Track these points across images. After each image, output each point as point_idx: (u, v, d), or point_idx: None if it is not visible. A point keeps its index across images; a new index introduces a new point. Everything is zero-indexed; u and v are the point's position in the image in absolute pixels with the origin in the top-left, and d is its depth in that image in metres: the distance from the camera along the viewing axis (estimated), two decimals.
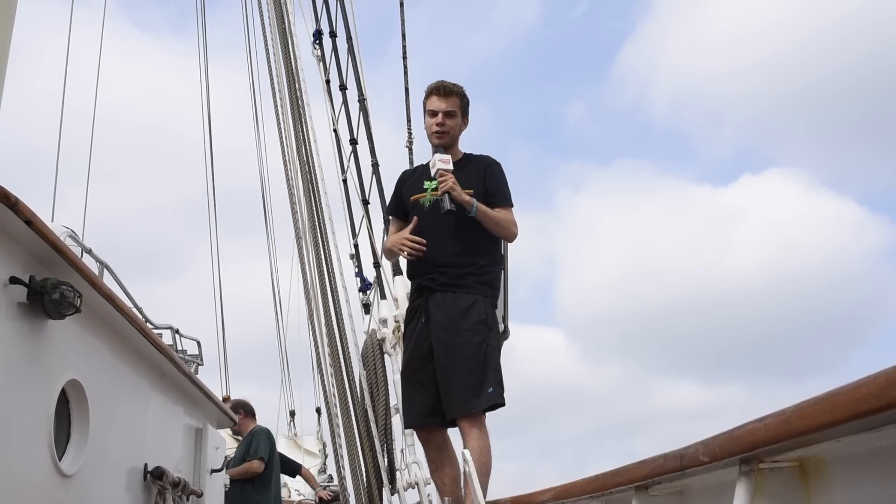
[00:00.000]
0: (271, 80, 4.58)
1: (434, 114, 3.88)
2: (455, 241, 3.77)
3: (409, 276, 4.03)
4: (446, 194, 3.67)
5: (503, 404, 3.65)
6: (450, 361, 3.64)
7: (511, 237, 3.92)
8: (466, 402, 3.59)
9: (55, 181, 7.49)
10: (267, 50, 4.66)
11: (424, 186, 3.82)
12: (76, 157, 8.20)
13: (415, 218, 3.89)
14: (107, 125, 8.94)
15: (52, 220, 6.75)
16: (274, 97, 4.53)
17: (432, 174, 3.77)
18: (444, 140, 3.86)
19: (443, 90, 3.89)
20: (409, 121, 5.27)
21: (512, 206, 3.86)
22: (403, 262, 4.35)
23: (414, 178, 4.06)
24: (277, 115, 4.52)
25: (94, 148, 8.97)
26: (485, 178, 3.83)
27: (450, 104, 3.87)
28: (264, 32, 4.69)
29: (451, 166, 3.74)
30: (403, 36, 5.68)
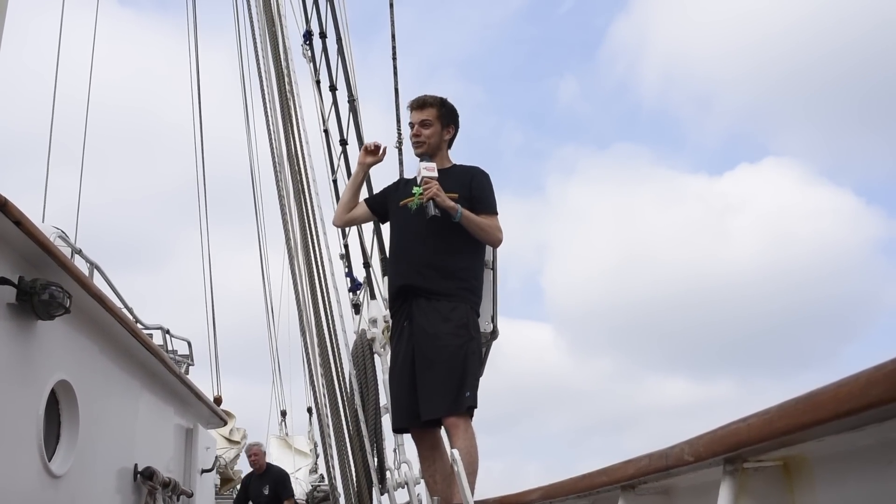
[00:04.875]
0: (261, 82, 4.59)
1: (412, 126, 4.04)
2: (438, 244, 3.84)
3: (392, 279, 4.04)
4: (431, 201, 3.73)
5: (475, 407, 3.71)
6: (428, 364, 3.69)
7: (496, 242, 4.06)
8: (441, 404, 3.63)
9: (46, 175, 7.43)
10: (256, 51, 4.67)
11: (413, 191, 3.87)
12: (55, 142, 8.09)
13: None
14: (83, 106, 8.85)
15: (44, 215, 6.75)
16: (263, 100, 4.54)
17: (417, 180, 3.84)
18: (422, 149, 3.99)
19: (416, 103, 4.07)
20: (398, 122, 5.27)
21: (497, 213, 3.95)
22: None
23: (406, 185, 4.13)
24: (267, 116, 4.53)
25: (71, 131, 8.93)
26: (471, 185, 3.94)
27: (424, 114, 4.03)
28: (254, 34, 4.69)
29: (435, 174, 3.82)
30: (393, 37, 5.68)
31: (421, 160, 3.94)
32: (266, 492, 9.66)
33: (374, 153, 4.17)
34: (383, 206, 4.17)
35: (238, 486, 10.97)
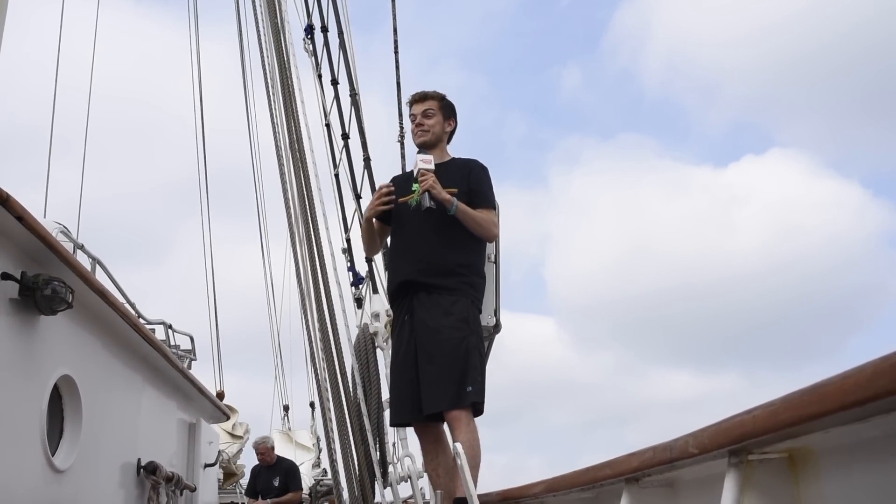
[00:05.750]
0: (264, 75, 4.58)
1: (414, 118, 4.06)
2: (439, 241, 3.83)
3: (392, 275, 4.02)
4: (426, 192, 3.73)
5: (481, 402, 3.69)
6: (430, 358, 3.69)
7: (490, 237, 4.04)
8: (443, 398, 3.63)
9: (48, 170, 7.42)
10: (260, 43, 4.66)
11: (413, 188, 3.87)
12: (56, 135, 8.06)
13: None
14: (83, 98, 8.81)
15: (45, 209, 6.75)
16: (268, 93, 4.53)
17: (414, 173, 3.83)
18: (425, 138, 4.00)
19: (417, 96, 4.10)
20: (400, 116, 5.27)
21: (494, 208, 3.95)
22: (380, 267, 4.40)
23: (404, 182, 4.12)
24: (270, 110, 4.52)
25: (71, 124, 8.91)
26: (469, 179, 3.94)
27: (426, 105, 4.06)
28: (257, 27, 4.68)
29: (432, 166, 3.82)
30: (395, 30, 5.68)
31: (419, 152, 3.94)
32: (276, 483, 9.73)
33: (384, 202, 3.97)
34: (389, 211, 4.14)
35: (241, 480, 11.06)
